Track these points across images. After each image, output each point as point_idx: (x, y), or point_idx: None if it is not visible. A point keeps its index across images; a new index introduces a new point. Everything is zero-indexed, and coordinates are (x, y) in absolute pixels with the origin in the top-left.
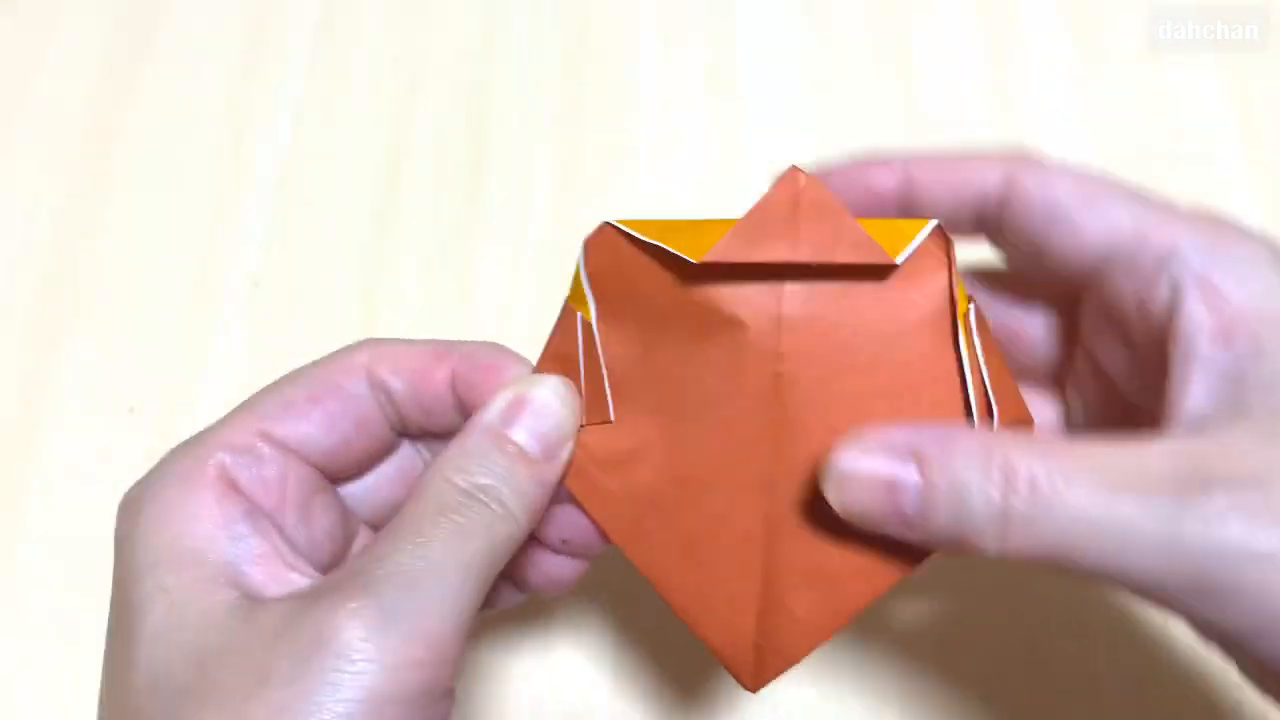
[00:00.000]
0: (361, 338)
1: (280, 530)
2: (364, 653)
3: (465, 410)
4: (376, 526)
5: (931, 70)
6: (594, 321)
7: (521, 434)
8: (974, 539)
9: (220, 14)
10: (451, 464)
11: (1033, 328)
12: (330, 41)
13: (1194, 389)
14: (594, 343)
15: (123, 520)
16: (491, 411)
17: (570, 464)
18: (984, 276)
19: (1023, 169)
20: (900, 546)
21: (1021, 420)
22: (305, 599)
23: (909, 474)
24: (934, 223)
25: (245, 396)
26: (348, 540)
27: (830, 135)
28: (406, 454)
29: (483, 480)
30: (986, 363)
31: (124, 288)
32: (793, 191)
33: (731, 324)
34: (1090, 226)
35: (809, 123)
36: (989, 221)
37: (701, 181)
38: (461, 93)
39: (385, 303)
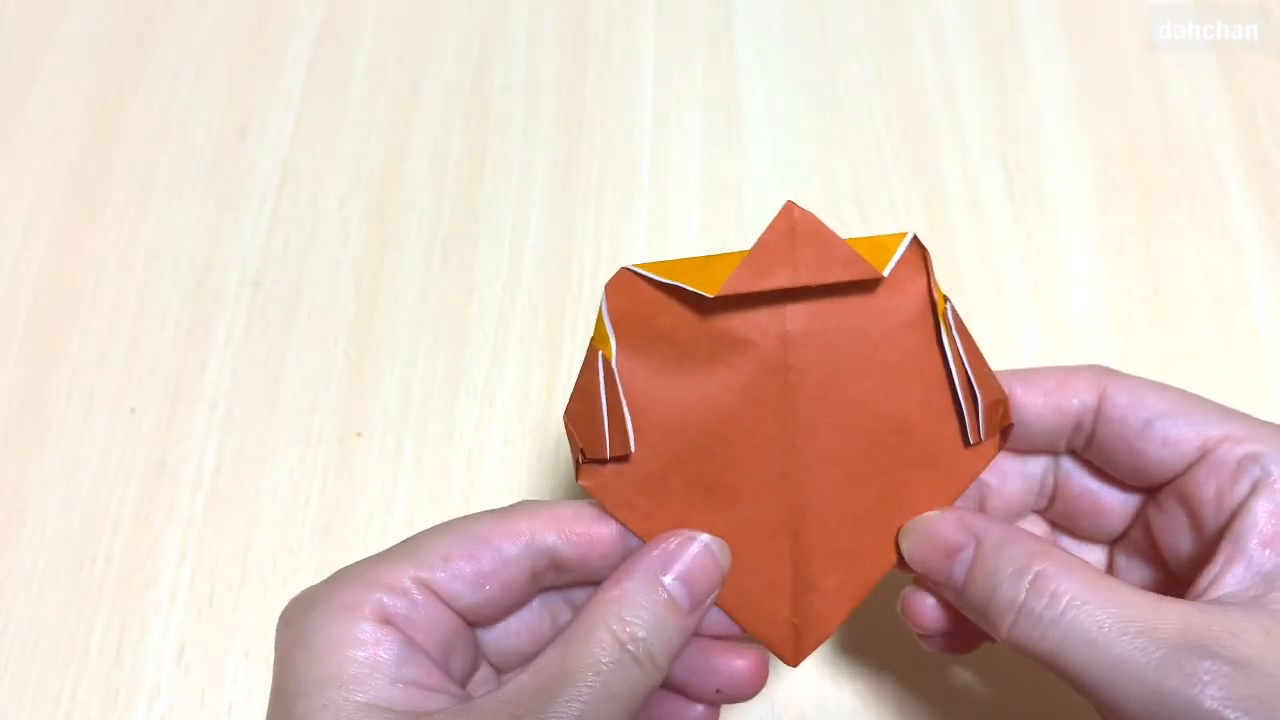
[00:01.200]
0: (360, 338)
1: (430, 659)
2: None
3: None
4: (493, 663)
5: (931, 72)
6: (614, 358)
7: (675, 583)
8: (992, 619)
9: (220, 14)
10: (612, 611)
11: (1113, 503)
12: (331, 42)
13: (1230, 575)
14: (614, 379)
15: (286, 634)
16: (651, 557)
17: (607, 489)
18: (1076, 456)
19: (1111, 383)
20: None
21: (999, 398)
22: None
23: (968, 549)
24: (911, 234)
25: (244, 398)
26: (472, 672)
27: (828, 142)
28: (536, 607)
29: (639, 633)
30: (966, 352)
31: (124, 288)
32: (789, 223)
33: (743, 346)
34: (1186, 434)
35: (807, 129)
36: (1084, 430)
37: (700, 183)
38: (461, 94)
39: (385, 303)
